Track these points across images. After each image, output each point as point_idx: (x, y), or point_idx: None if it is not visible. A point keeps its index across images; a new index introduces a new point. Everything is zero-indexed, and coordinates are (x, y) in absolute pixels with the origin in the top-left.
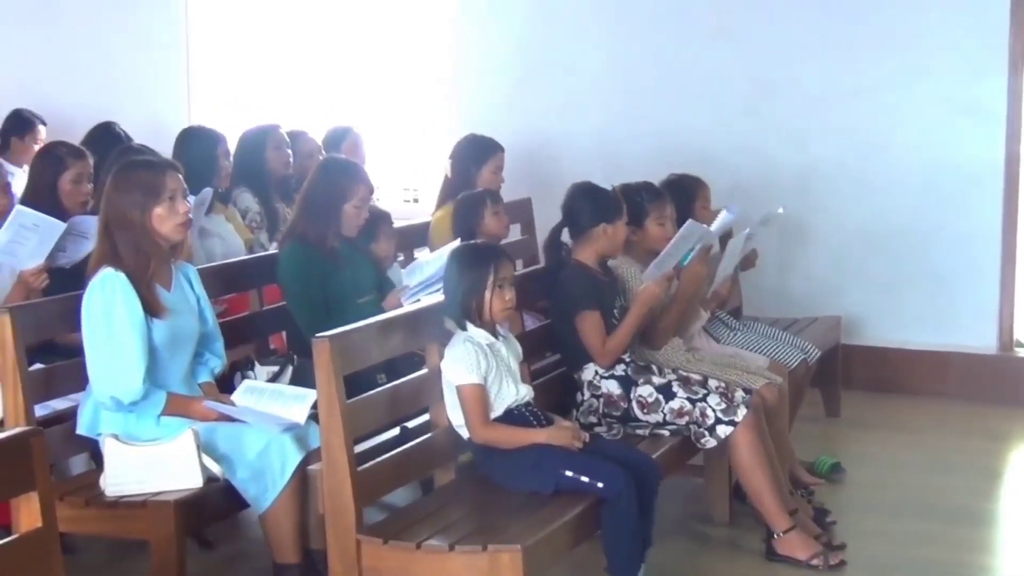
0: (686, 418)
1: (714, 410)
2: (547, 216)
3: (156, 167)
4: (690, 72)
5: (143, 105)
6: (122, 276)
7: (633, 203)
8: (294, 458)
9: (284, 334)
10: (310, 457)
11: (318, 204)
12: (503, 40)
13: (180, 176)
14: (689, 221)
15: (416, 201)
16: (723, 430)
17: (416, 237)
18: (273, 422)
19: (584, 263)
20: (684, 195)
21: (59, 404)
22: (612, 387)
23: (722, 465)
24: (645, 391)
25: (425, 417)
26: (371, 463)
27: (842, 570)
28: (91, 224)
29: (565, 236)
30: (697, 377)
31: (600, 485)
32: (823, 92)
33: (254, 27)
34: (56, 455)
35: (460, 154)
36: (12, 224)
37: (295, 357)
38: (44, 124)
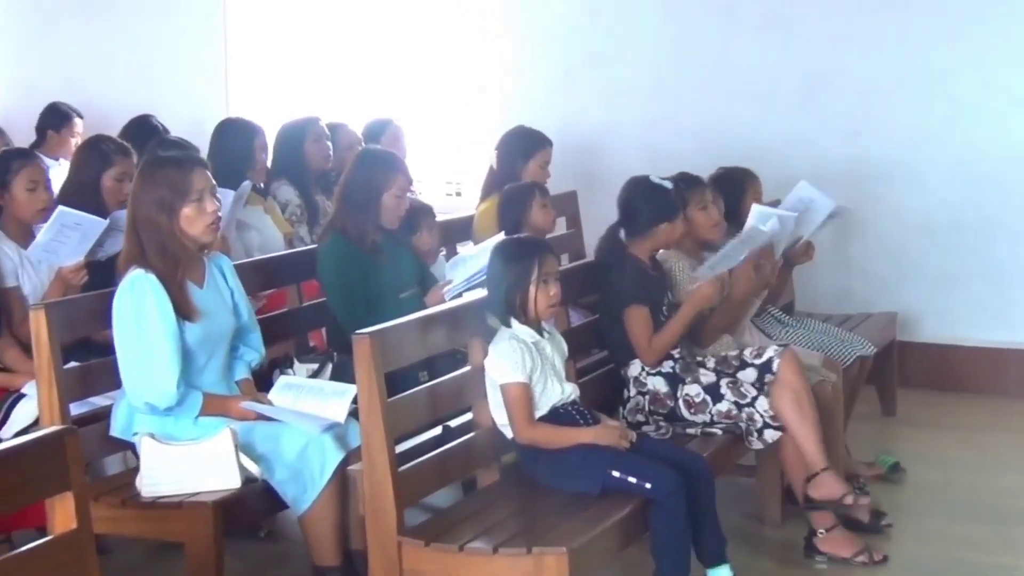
0: (733, 420)
1: (762, 415)
2: (592, 210)
3: (183, 164)
4: (739, 63)
5: (183, 99)
6: (152, 278)
7: None
8: (334, 458)
9: (324, 331)
10: (350, 457)
11: (356, 197)
12: (548, 30)
13: (208, 173)
14: (751, 225)
15: (459, 195)
16: (770, 435)
17: (459, 231)
18: (312, 421)
19: (638, 258)
20: (734, 189)
21: (96, 402)
22: (659, 384)
23: (774, 465)
24: (692, 390)
25: (468, 416)
26: (413, 463)
27: (886, 566)
28: None
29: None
30: (735, 354)
31: (648, 486)
32: (876, 82)
33: (293, 19)
34: (92, 454)
35: (507, 146)
36: (54, 224)
37: (335, 354)
38: (81, 117)
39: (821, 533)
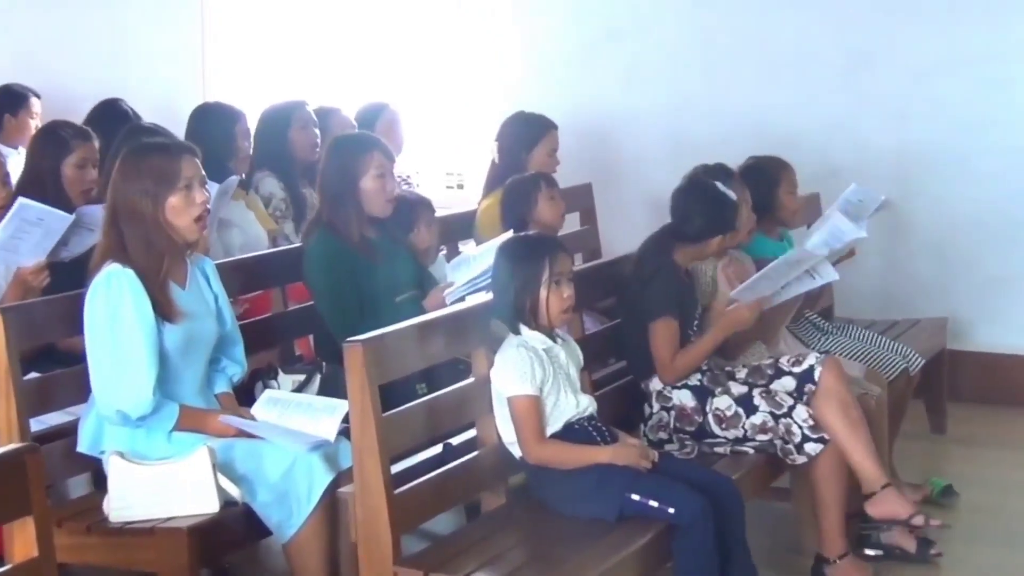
0: (769, 434)
1: (800, 426)
2: (608, 204)
3: (171, 151)
4: (773, 40)
5: (153, 79)
6: (130, 272)
7: None
8: (322, 479)
9: (311, 338)
10: (340, 478)
11: (333, 188)
12: (559, 4)
13: (198, 161)
14: (805, 251)
15: (461, 187)
16: (812, 447)
17: (461, 227)
18: (299, 439)
19: (678, 264)
20: (765, 180)
21: (57, 418)
22: (685, 398)
23: (811, 488)
24: (722, 403)
25: (471, 433)
26: (410, 485)
27: None
28: (98, 215)
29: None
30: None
31: (672, 511)
32: (924, 64)
33: None
34: (54, 475)
35: (508, 135)
36: (13, 218)
37: (323, 364)
38: (38, 97)
39: (833, 561)
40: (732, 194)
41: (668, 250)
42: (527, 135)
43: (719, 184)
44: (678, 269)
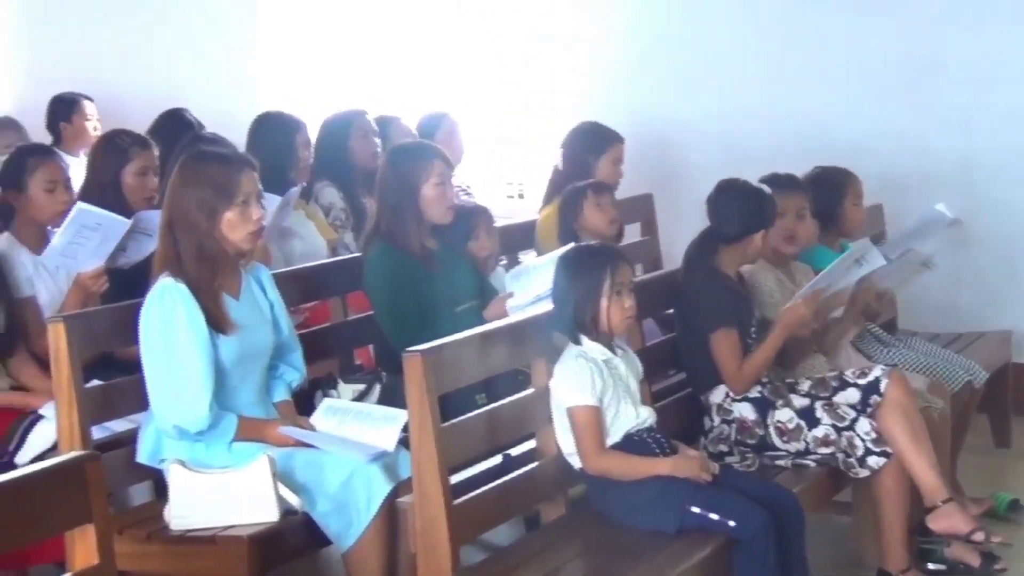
0: (832, 447)
1: (863, 439)
2: (668, 214)
3: (231, 163)
4: (835, 48)
5: (209, 89)
6: (182, 287)
7: None
8: (381, 489)
9: (371, 348)
10: (400, 488)
11: (392, 198)
12: (616, 14)
13: (256, 176)
14: (864, 241)
15: (521, 197)
16: (875, 461)
17: (521, 237)
18: (358, 449)
19: (726, 272)
20: (831, 191)
21: (119, 425)
22: (746, 411)
23: (873, 501)
24: (784, 416)
25: (531, 444)
26: (469, 496)
27: None
28: (157, 220)
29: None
30: (833, 375)
31: (732, 524)
32: (990, 72)
33: (338, 3)
34: (115, 483)
35: (574, 143)
36: (72, 224)
37: (383, 374)
38: (90, 100)
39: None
40: (767, 188)
41: (712, 255)
42: (594, 144)
43: (749, 180)
44: (727, 277)
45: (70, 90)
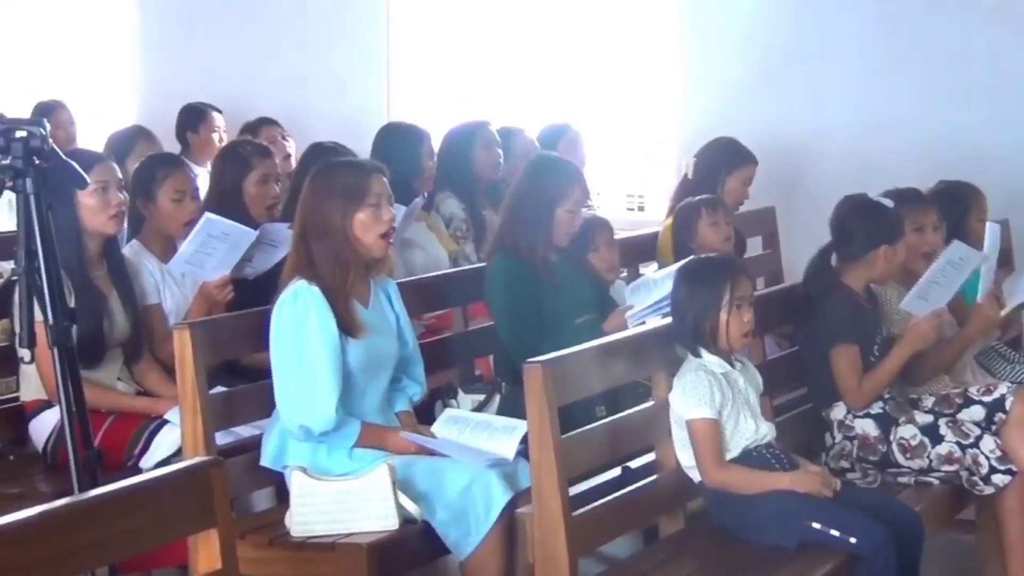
0: (956, 465)
1: (988, 457)
2: (792, 228)
3: (360, 169)
4: (965, 61)
5: (337, 99)
6: (316, 290)
7: None
8: (500, 499)
9: (491, 358)
10: (519, 498)
11: (527, 210)
12: (744, 26)
13: (385, 180)
14: (955, 242)
15: (641, 209)
16: (1000, 479)
17: (641, 249)
18: (478, 457)
19: (852, 288)
20: (957, 207)
21: (242, 431)
22: (868, 427)
23: (997, 519)
24: (907, 432)
25: (650, 456)
26: (588, 507)
27: None
28: (282, 232)
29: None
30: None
31: (853, 541)
32: None
33: (462, 15)
34: (238, 489)
35: (710, 155)
36: (199, 233)
37: (503, 384)
38: (219, 111)
39: None
40: (888, 202)
41: (834, 271)
42: (728, 160)
43: (871, 195)
44: (853, 293)
45: (198, 100)
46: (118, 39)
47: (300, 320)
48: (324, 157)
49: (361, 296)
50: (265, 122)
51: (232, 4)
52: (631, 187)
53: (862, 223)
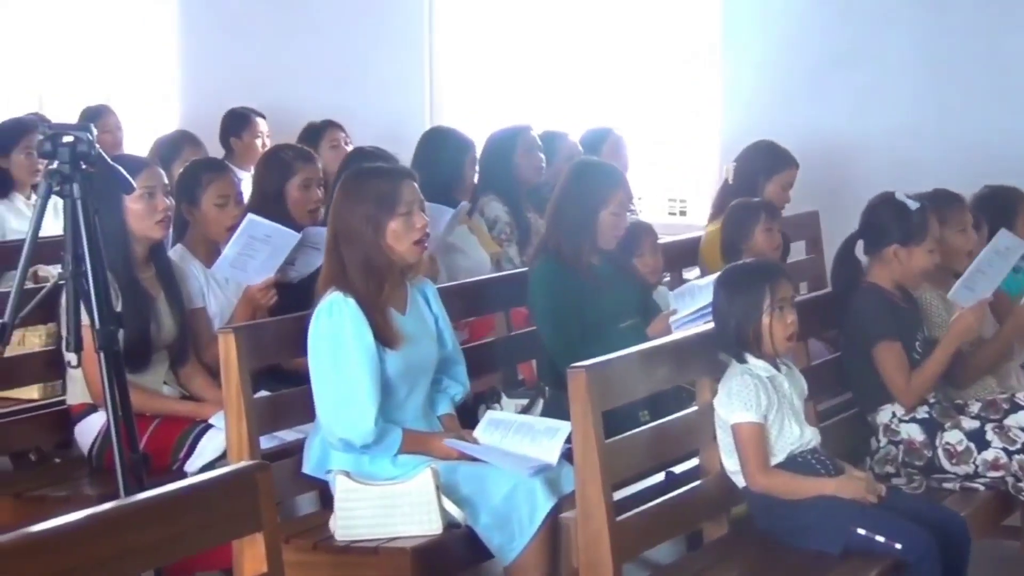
0: (1002, 471)
1: None
2: (835, 232)
3: (391, 176)
4: (1011, 64)
5: (379, 104)
6: (351, 302)
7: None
8: (544, 504)
9: (534, 363)
10: (562, 503)
11: (570, 213)
12: (787, 29)
13: (416, 186)
14: (1002, 231)
15: (683, 214)
16: None
17: (684, 254)
18: (521, 464)
19: (880, 285)
20: (1003, 211)
21: (287, 435)
22: (914, 432)
23: None
24: (953, 438)
25: (694, 461)
26: (632, 512)
27: None
28: (325, 236)
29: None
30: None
31: (898, 547)
32: None
33: (504, 21)
34: (282, 493)
35: (749, 160)
36: (242, 235)
37: (546, 389)
38: (262, 117)
39: None
40: (912, 203)
41: (859, 266)
42: (769, 164)
43: (897, 193)
44: (882, 290)
45: (242, 105)
46: (161, 44)
47: (336, 333)
48: (364, 162)
49: (397, 303)
50: (329, 124)
51: (274, 9)
52: (673, 191)
53: (878, 219)
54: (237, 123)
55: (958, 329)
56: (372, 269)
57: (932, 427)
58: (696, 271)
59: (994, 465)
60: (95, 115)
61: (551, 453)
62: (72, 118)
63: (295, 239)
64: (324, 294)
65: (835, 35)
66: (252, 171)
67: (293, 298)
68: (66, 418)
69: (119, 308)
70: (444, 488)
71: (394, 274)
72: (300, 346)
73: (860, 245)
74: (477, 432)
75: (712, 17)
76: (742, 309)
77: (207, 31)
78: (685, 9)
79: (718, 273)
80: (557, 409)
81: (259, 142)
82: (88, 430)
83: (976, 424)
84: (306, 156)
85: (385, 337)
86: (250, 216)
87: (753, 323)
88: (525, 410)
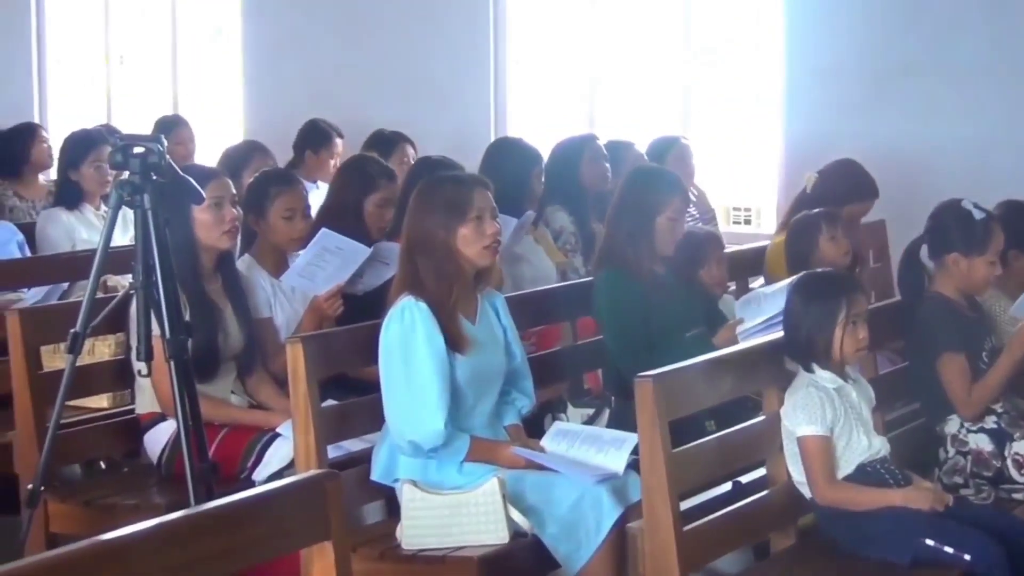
0: None
1: None
2: (903, 242)
3: (463, 183)
4: None
5: (444, 115)
6: (423, 306)
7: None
8: (611, 513)
9: (600, 372)
10: (629, 513)
11: (627, 220)
12: (850, 40)
13: (489, 194)
14: None
15: (748, 223)
16: None
17: (748, 263)
18: (588, 473)
19: (945, 295)
20: None
21: (353, 445)
22: (982, 443)
23: None
24: (1022, 448)
25: (761, 471)
26: (699, 522)
27: None
28: (394, 251)
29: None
30: None
31: (967, 557)
32: None
33: (568, 31)
34: (349, 502)
35: (833, 179)
36: (315, 246)
37: (612, 399)
38: (341, 137)
39: None
40: (977, 212)
41: (925, 274)
42: (851, 189)
43: (964, 202)
44: (947, 300)
45: (314, 115)
46: (227, 56)
47: (408, 336)
48: (431, 172)
49: (468, 312)
50: (400, 139)
51: (338, 21)
52: (737, 200)
53: (942, 224)
54: (317, 137)
55: (1021, 341)
56: (443, 275)
57: (1001, 437)
58: (760, 280)
59: None
60: (169, 126)
61: (618, 462)
62: (140, 131)
63: (366, 254)
64: (396, 300)
65: (902, 41)
66: (319, 184)
67: (359, 310)
68: (135, 427)
69: (188, 318)
70: (511, 497)
71: (465, 281)
72: (367, 354)
73: (924, 251)
74: (544, 441)
75: (777, 25)
76: (816, 318)
77: (272, 44)
78: (751, 17)
79: (786, 281)
80: (623, 419)
81: (333, 163)
82: (157, 439)
83: None
84: (390, 175)
85: (455, 342)
86: (324, 229)
87: (825, 334)
88: (591, 420)
